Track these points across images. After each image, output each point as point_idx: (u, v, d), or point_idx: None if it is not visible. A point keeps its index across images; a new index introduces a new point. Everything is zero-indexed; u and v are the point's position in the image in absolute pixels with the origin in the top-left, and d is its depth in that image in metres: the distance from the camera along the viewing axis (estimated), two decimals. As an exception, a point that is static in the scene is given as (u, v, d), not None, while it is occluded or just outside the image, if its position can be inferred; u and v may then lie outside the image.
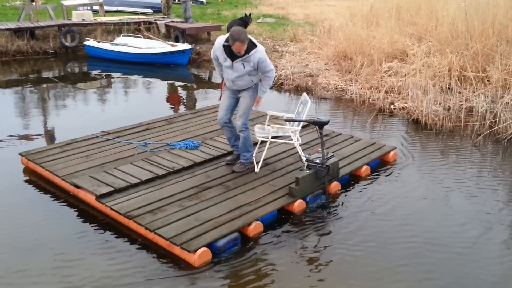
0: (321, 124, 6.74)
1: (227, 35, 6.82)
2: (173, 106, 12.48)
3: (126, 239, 5.96)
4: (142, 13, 22.84)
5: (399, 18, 14.86)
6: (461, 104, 10.97)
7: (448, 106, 10.93)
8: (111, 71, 15.87)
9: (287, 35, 19.16)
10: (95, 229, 6.20)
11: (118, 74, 15.53)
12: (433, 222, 6.44)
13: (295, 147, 7.74)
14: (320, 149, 6.80)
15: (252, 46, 6.80)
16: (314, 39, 16.77)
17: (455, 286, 5.21)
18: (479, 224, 6.40)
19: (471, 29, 12.53)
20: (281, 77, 13.91)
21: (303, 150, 7.72)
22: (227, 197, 6.49)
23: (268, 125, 7.68)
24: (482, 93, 11.09)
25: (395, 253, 5.76)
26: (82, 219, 6.44)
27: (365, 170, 7.75)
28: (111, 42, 17.17)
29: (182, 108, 12.25)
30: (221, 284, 5.20)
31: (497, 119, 10.12)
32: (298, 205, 6.50)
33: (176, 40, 18.24)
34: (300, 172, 6.74)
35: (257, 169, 7.29)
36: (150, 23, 19.74)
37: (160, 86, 14.68)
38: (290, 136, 7.45)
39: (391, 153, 8.36)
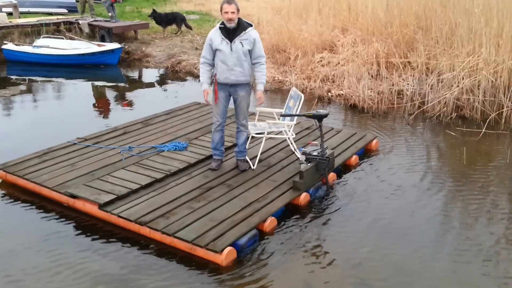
0: (320, 117, 6.91)
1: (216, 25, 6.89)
2: (119, 106, 12.22)
3: (139, 246, 5.86)
4: (56, 14, 21.79)
5: (320, 13, 15.30)
6: (390, 88, 11.67)
7: (380, 90, 11.60)
8: (35, 75, 15.15)
9: None
10: (101, 241, 5.99)
11: (46, 78, 14.83)
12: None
13: (283, 142, 7.93)
14: (313, 142, 7.07)
15: (247, 24, 6.85)
16: (240, 34, 16.88)
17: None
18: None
19: (392, 19, 13.25)
20: (219, 71, 14.08)
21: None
22: (234, 196, 6.53)
23: (258, 120, 7.85)
24: (410, 76, 11.85)
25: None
26: (83, 232, 6.18)
27: (355, 159, 8.03)
28: (32, 45, 16.30)
29: (129, 110, 11.97)
30: (250, 280, 5.27)
31: (425, 100, 10.95)
32: (304, 198, 6.67)
33: (102, 39, 17.64)
34: (302, 166, 6.89)
35: (254, 166, 7.37)
36: (71, 23, 18.95)
37: (94, 88, 14.24)
38: (281, 131, 7.57)
39: (374, 141, 8.71)
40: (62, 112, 11.63)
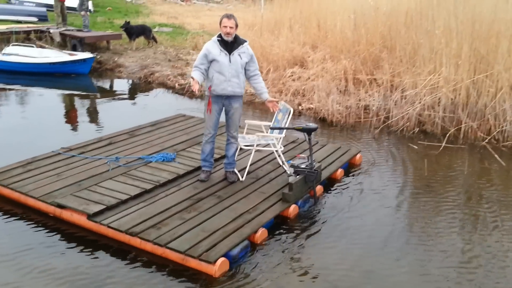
0: (309, 131, 6.77)
1: (212, 38, 6.75)
2: (90, 117, 11.77)
3: (129, 257, 5.56)
4: (26, 22, 20.94)
5: (291, 29, 15.20)
6: (358, 103, 11.66)
7: (348, 105, 11.56)
8: (3, 83, 14.38)
9: (188, 44, 18.77)
10: (90, 252, 5.65)
11: (14, 86, 14.11)
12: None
13: (270, 154, 7.77)
14: (301, 155, 6.89)
15: (243, 40, 6.74)
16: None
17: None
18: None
19: (359, 38, 13.27)
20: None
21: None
22: (224, 207, 6.30)
23: (247, 133, 7.63)
24: (375, 92, 11.85)
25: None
26: (70, 243, 5.82)
27: (340, 173, 7.89)
28: (1, 52, 15.51)
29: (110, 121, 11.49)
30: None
31: (389, 114, 10.97)
32: (293, 209, 6.49)
33: (74, 49, 17.10)
34: (290, 178, 6.73)
35: (242, 178, 7.15)
36: (41, 31, 18.30)
37: (65, 97, 13.71)
38: (268, 144, 7.37)
39: (357, 156, 8.59)
40: (29, 121, 11.00)
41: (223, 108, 6.95)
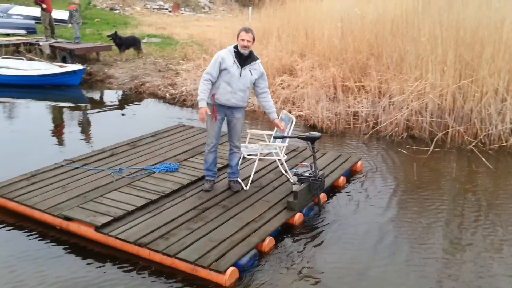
0: (313, 139, 6.74)
1: (227, 47, 6.64)
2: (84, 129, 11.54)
3: (137, 268, 5.47)
4: (14, 35, 20.62)
5: (279, 39, 15.17)
6: (347, 110, 11.68)
7: (337, 112, 11.58)
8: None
9: (177, 54, 18.61)
10: (98, 264, 5.54)
11: (4, 99, 13.82)
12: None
13: (272, 163, 7.74)
14: (304, 163, 6.85)
15: (256, 56, 6.66)
16: (207, 57, 16.55)
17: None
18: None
19: (346, 46, 13.30)
20: (183, 93, 13.72)
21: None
22: (230, 216, 6.23)
23: (249, 142, 7.57)
24: (364, 99, 11.88)
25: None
26: (77, 255, 5.72)
27: (342, 180, 7.84)
28: None
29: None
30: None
31: (378, 120, 11.01)
32: (298, 217, 6.44)
33: (64, 61, 16.86)
34: (294, 186, 6.67)
35: (246, 187, 7.08)
36: (31, 44, 18.06)
37: (56, 109, 13.43)
38: (271, 153, 7.30)
39: (359, 163, 8.54)
40: (20, 134, 10.75)
41: (225, 117, 6.87)
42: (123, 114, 12.96)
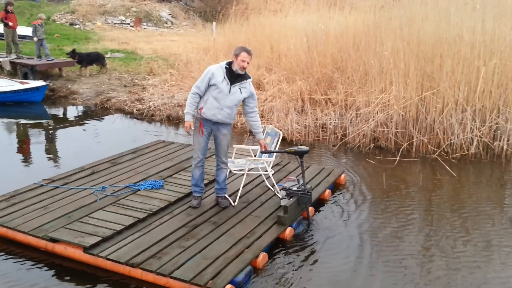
0: (301, 153, 6.63)
1: (219, 63, 6.43)
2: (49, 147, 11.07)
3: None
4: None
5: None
6: (315, 122, 11.69)
7: (306, 124, 11.57)
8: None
9: (142, 69, 18.23)
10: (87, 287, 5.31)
11: None
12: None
13: (257, 178, 7.60)
14: (290, 178, 6.74)
15: (247, 75, 6.47)
16: (173, 72, 16.31)
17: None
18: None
19: (312, 60, 13.32)
20: (151, 108, 13.44)
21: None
22: (221, 233, 6.06)
23: (235, 158, 7.39)
24: (331, 112, 11.91)
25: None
26: (65, 279, 5.45)
27: (328, 193, 7.75)
28: None
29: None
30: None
31: (346, 132, 11.06)
32: (289, 232, 6.30)
33: (25, 77, 16.27)
34: (283, 201, 6.56)
35: (235, 203, 6.89)
36: (-10, 61, 17.29)
37: (18, 126, 12.89)
38: (258, 168, 7.13)
39: (342, 176, 8.47)
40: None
41: (211, 133, 6.67)
42: (89, 130, 12.49)
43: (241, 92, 6.46)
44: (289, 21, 15.96)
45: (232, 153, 7.78)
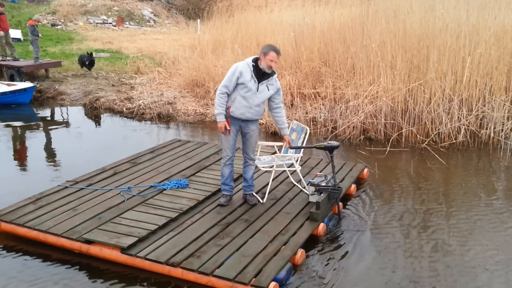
0: (331, 148, 6.56)
1: (244, 61, 6.19)
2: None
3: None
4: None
5: (233, 50, 14.80)
6: (305, 116, 11.66)
7: (296, 118, 11.52)
8: None
9: (129, 68, 17.75)
10: None
11: None
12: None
13: (281, 174, 7.46)
14: (318, 173, 6.67)
15: (273, 71, 6.26)
16: (161, 70, 15.97)
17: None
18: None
19: (300, 55, 13.26)
20: (141, 107, 13.17)
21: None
22: (255, 230, 5.95)
23: (260, 154, 7.26)
24: (321, 105, 11.90)
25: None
26: (101, 280, 5.31)
27: (354, 188, 7.63)
28: None
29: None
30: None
31: (336, 125, 11.09)
32: (322, 228, 6.22)
33: (12, 79, 15.65)
34: (312, 197, 6.49)
35: (263, 200, 6.76)
36: (-24, 64, 16.48)
37: (8, 128, 12.26)
38: (281, 164, 6.97)
39: (365, 170, 8.38)
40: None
41: (240, 129, 6.50)
42: (81, 130, 12.02)
43: (268, 90, 6.30)
44: (274, 17, 15.81)
45: (257, 150, 7.60)
